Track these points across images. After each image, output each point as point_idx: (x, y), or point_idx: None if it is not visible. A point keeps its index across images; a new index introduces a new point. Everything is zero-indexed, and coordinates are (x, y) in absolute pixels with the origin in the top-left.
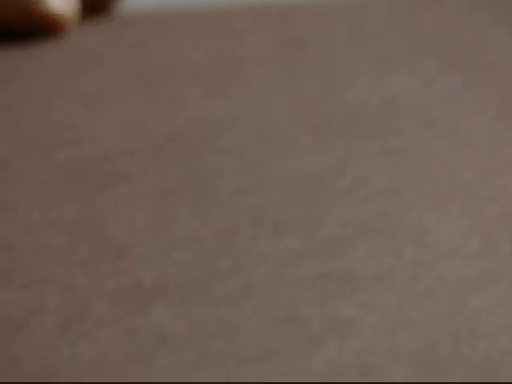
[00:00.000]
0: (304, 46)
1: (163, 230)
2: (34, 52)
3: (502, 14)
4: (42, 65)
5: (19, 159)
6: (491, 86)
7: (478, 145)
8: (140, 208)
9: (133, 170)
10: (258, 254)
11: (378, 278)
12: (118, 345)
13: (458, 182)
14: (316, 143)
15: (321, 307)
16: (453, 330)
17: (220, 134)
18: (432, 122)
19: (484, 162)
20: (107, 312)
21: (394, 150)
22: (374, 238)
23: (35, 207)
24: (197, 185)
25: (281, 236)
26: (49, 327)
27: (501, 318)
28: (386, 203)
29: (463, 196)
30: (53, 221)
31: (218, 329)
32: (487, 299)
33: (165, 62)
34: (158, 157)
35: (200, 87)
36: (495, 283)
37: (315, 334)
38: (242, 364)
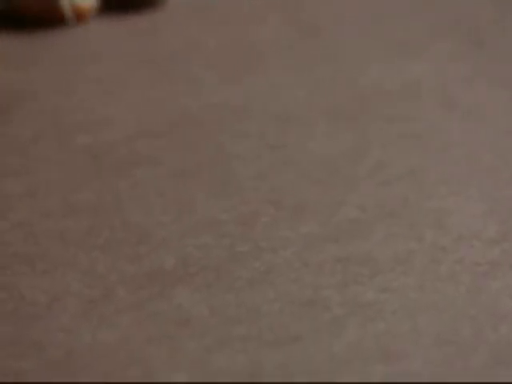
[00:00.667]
0: (317, 31)
1: (183, 214)
2: (52, 39)
3: None
4: (60, 51)
5: (38, 144)
6: (507, 69)
7: (496, 127)
8: (159, 192)
9: (151, 153)
10: (279, 238)
11: (398, 262)
12: (139, 329)
13: (476, 165)
14: (334, 127)
15: (341, 291)
16: (473, 313)
17: (237, 118)
18: (449, 105)
19: (502, 145)
20: (129, 296)
21: (411, 133)
22: (393, 222)
23: (55, 192)
24: (216, 168)
25: (300, 220)
26: (71, 312)
27: None
28: (404, 187)
29: (482, 179)
30: (73, 205)
31: (239, 312)
32: (507, 282)
33: (179, 47)
34: (177, 140)
35: (215, 72)
36: None
37: (336, 317)
38: (263, 347)
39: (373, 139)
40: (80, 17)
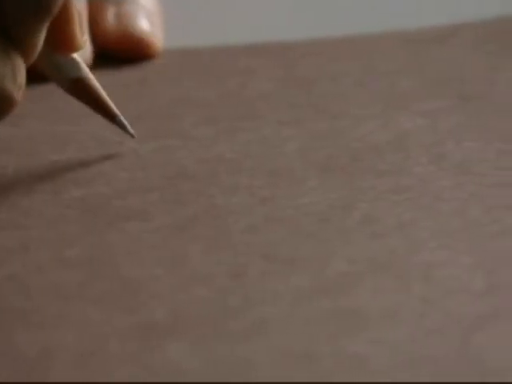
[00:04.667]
0: (311, 85)
1: (175, 267)
2: (46, 92)
3: (504, 49)
4: (54, 105)
5: (31, 197)
6: (498, 122)
7: (485, 181)
8: (151, 245)
9: (143, 207)
10: (270, 291)
11: (387, 315)
12: (133, 382)
13: (465, 219)
14: (324, 181)
15: (332, 344)
16: (461, 367)
17: (230, 172)
18: (439, 159)
19: (491, 198)
20: (121, 351)
21: (401, 187)
22: (382, 275)
23: (47, 246)
24: (208, 222)
25: (291, 273)
26: (64, 365)
27: (508, 357)
28: (394, 240)
29: (470, 233)
30: (66, 259)
31: (232, 365)
32: (493, 337)
33: (172, 99)
34: (169, 194)
35: (210, 125)
36: (501, 320)
37: (327, 370)
38: None
39: (363, 193)
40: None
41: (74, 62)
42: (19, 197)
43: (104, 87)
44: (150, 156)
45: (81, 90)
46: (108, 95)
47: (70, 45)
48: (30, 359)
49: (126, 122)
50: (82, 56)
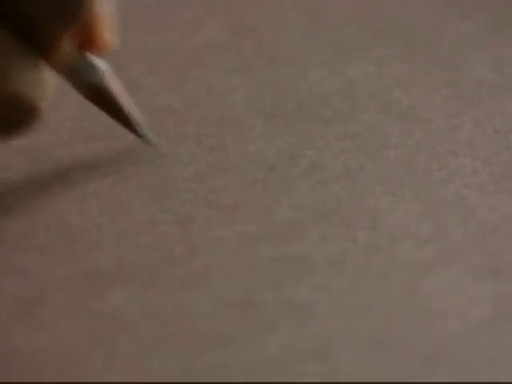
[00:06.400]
0: (258, 35)
1: (119, 216)
2: None
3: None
4: None
5: None
6: (444, 70)
7: (432, 128)
8: (95, 194)
9: (89, 156)
10: (214, 239)
11: (332, 262)
12: (75, 331)
13: (411, 166)
14: (272, 129)
15: (275, 291)
16: (405, 313)
17: (178, 121)
18: (386, 107)
19: (437, 145)
20: (64, 298)
21: (348, 135)
22: (327, 223)
23: None
24: (154, 170)
25: (236, 220)
26: (6, 314)
27: (452, 301)
28: (340, 188)
29: (417, 180)
30: (8, 208)
31: (174, 313)
32: (439, 282)
33: (119, 53)
34: (115, 144)
35: (156, 76)
36: (447, 266)
37: (270, 318)
38: (198, 348)
39: (310, 141)
40: None
41: (93, 68)
42: None
43: None
44: (93, 107)
45: (97, 97)
46: None
47: (97, 44)
48: None
49: (147, 132)
50: None
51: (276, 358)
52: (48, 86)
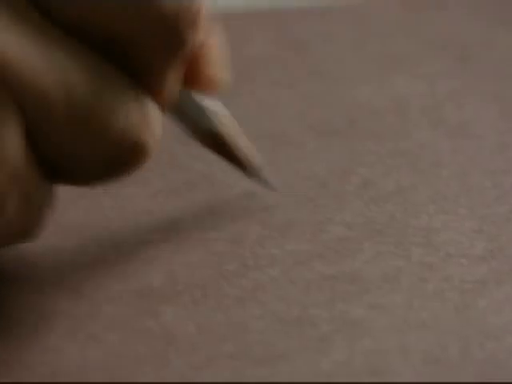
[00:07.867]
0: (307, 49)
1: (171, 233)
2: None
3: (504, 13)
4: None
5: None
6: (495, 86)
7: (484, 145)
8: (146, 210)
9: (137, 172)
10: (266, 256)
11: (386, 280)
12: (127, 347)
13: (465, 183)
14: (323, 145)
15: (329, 308)
16: (460, 331)
17: None
18: (437, 123)
19: (490, 162)
20: (116, 314)
21: (400, 151)
22: (381, 240)
23: None
24: (205, 186)
25: (288, 238)
26: (58, 331)
27: (508, 319)
28: (393, 205)
29: (470, 197)
30: (60, 224)
31: (226, 330)
32: (494, 300)
33: None
34: (163, 159)
35: None
36: (502, 283)
37: (324, 335)
38: (251, 365)
39: (361, 157)
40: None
41: (206, 112)
42: None
43: None
44: None
45: (212, 143)
46: None
47: (208, 83)
48: (28, 324)
49: (266, 176)
50: None
51: (329, 375)
52: (156, 124)
